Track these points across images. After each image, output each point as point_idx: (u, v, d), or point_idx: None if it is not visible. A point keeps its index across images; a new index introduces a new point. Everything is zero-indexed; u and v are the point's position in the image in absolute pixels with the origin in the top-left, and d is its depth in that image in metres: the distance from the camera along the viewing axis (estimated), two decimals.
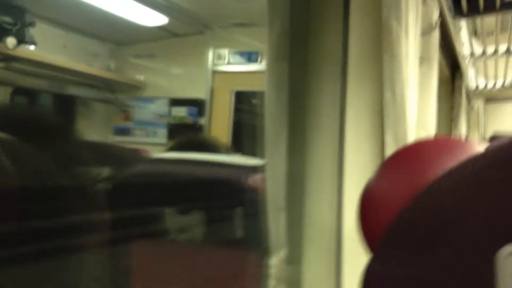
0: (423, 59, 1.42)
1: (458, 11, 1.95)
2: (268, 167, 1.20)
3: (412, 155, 0.51)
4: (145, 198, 1.35)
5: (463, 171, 0.44)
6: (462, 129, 2.99)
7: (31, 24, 3.22)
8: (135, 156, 1.72)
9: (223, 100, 4.12)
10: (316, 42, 1.22)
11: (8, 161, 0.69)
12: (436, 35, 1.48)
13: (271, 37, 1.15)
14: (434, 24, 1.44)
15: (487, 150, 0.44)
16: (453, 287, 0.44)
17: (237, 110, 4.07)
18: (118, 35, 4.23)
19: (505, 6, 1.98)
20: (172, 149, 1.63)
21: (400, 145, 1.08)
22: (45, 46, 3.54)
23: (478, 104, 4.06)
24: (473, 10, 1.98)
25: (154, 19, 3.67)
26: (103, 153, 1.49)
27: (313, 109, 1.23)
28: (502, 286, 0.41)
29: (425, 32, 1.41)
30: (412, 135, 1.15)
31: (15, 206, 0.72)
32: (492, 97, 3.97)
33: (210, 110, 4.15)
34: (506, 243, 0.41)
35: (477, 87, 3.58)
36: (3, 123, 0.79)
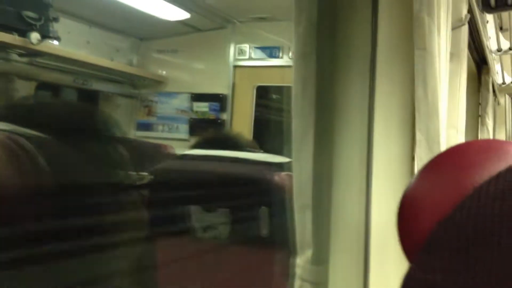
0: (453, 55, 1.38)
1: (485, 5, 1.90)
2: (294, 164, 1.18)
3: (454, 159, 0.49)
4: (171, 196, 1.34)
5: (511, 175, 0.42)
6: (490, 125, 2.94)
7: (55, 19, 3.25)
8: (161, 152, 1.72)
9: (244, 95, 4.12)
10: (345, 37, 1.19)
11: (43, 161, 0.69)
12: (465, 29, 1.44)
13: (298, 31, 1.13)
14: (463, 18, 1.40)
15: None
16: None
17: (259, 105, 4.07)
18: (140, 30, 4.25)
19: None
20: (197, 145, 1.62)
21: (432, 143, 1.05)
22: (68, 41, 3.59)
23: (505, 99, 3.99)
24: (501, 4, 1.93)
25: (176, 14, 3.68)
26: (135, 150, 1.49)
27: (341, 106, 1.21)
28: None
29: (455, 27, 1.38)
30: (444, 132, 1.12)
31: (52, 208, 0.72)
32: None
33: (232, 105, 4.16)
34: None
35: (503, 82, 3.51)
36: (37, 120, 0.78)
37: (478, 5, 1.81)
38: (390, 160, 1.15)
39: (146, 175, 1.05)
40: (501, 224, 0.42)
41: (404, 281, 0.48)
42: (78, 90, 3.91)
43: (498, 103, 3.85)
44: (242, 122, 4.10)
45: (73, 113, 0.92)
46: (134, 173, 0.93)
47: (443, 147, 1.11)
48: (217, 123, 4.10)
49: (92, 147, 0.85)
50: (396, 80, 1.14)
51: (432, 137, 1.04)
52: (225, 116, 4.14)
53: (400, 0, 1.11)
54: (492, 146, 0.48)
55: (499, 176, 0.43)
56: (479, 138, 2.89)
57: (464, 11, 1.47)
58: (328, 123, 1.20)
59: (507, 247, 0.42)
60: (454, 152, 0.50)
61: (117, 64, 4.01)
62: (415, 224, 0.49)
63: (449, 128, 1.38)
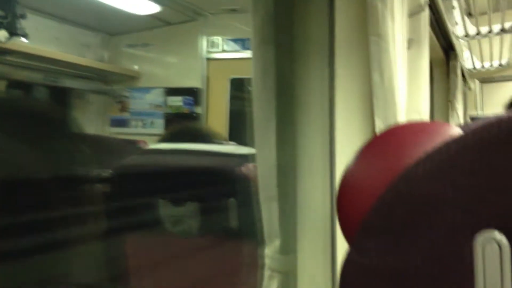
0: (413, 41, 1.40)
1: None
2: (258, 156, 1.19)
3: (388, 140, 0.50)
4: (136, 190, 1.33)
5: (439, 156, 0.42)
6: (459, 110, 2.98)
7: (22, 16, 3.19)
8: (127, 147, 1.71)
9: (219, 88, 4.10)
10: (302, 26, 1.20)
11: None
12: (425, 15, 1.45)
13: (256, 21, 1.12)
14: (422, 4, 1.41)
15: (462, 133, 0.42)
16: (432, 274, 0.43)
17: (234, 98, 4.06)
18: (110, 25, 4.20)
19: None
20: (164, 139, 1.62)
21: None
22: (37, 38, 3.53)
23: (475, 84, 4.04)
24: None
25: (146, 7, 3.64)
26: (96, 145, 1.47)
27: (302, 95, 1.21)
28: (480, 272, 0.40)
29: (414, 13, 1.39)
30: (403, 118, 1.13)
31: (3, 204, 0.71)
32: (488, 78, 3.94)
33: (206, 99, 4.14)
34: (483, 228, 0.40)
35: (473, 67, 3.56)
36: None
37: None
38: (352, 146, 1.15)
39: (107, 171, 1.04)
40: (430, 203, 0.43)
41: (343, 265, 0.49)
42: (50, 88, 3.86)
43: (469, 88, 3.90)
44: (217, 115, 4.09)
45: (27, 109, 0.91)
46: (96, 168, 0.93)
47: None
48: (191, 117, 4.09)
49: (47, 143, 0.84)
50: (354, 67, 1.14)
51: (390, 122, 1.05)
52: (199, 110, 4.12)
53: None
54: (423, 127, 0.49)
55: (427, 157, 0.43)
56: (449, 122, 2.93)
57: None
58: (290, 112, 1.21)
59: (435, 227, 0.42)
60: (389, 134, 0.51)
61: (88, 60, 3.96)
62: (353, 207, 0.49)
63: (412, 113, 1.39)
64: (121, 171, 1.31)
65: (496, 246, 0.40)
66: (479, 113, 2.69)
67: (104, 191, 1.00)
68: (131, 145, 2.19)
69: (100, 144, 1.58)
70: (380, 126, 1.06)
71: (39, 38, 3.58)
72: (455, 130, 0.47)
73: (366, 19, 1.05)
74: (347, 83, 1.15)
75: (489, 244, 0.39)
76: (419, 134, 0.48)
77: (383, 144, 0.50)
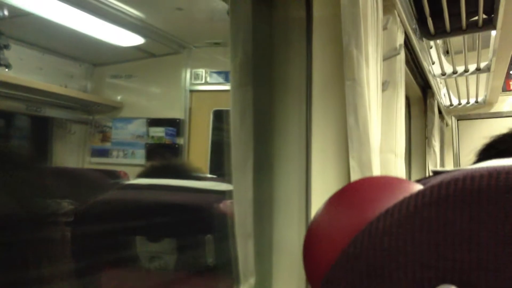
0: (388, 82, 1.44)
1: (425, 33, 1.98)
2: (235, 193, 1.20)
3: (354, 193, 0.52)
4: (112, 226, 1.33)
5: (397, 212, 0.44)
6: (436, 146, 3.04)
7: (5, 47, 3.20)
8: (104, 182, 1.71)
9: (201, 119, 4.12)
10: (281, 69, 1.23)
11: None
12: (400, 58, 1.50)
13: (235, 64, 1.16)
14: (398, 48, 1.46)
15: (420, 190, 0.44)
16: None
17: (216, 129, 4.08)
18: (94, 56, 4.22)
19: (470, 27, 2.03)
20: (143, 174, 1.62)
21: (364, 169, 1.09)
22: (20, 68, 3.53)
23: (452, 121, 4.12)
24: (440, 32, 2.02)
25: (130, 39, 3.68)
26: (70, 181, 1.47)
27: (280, 135, 1.24)
28: None
29: (389, 56, 1.44)
30: (377, 159, 1.16)
31: None
32: (464, 115, 4.03)
33: (189, 130, 4.15)
34: (439, 284, 0.42)
35: (450, 104, 3.64)
36: None
37: (415, 34, 1.88)
38: (327, 187, 1.18)
39: (76, 207, 1.04)
40: (390, 258, 0.44)
41: None
42: (31, 117, 3.84)
43: (446, 125, 3.98)
44: (199, 146, 4.10)
45: None
46: (60, 206, 0.92)
47: (376, 172, 1.14)
48: (173, 148, 4.09)
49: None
50: (330, 110, 1.17)
51: (364, 164, 1.08)
52: (181, 141, 4.13)
53: (333, 35, 1.16)
54: (386, 182, 0.51)
55: (387, 212, 0.45)
56: (426, 160, 2.98)
57: (400, 40, 1.54)
58: (267, 151, 1.23)
59: (396, 281, 0.44)
60: (354, 187, 0.53)
61: (70, 90, 3.97)
62: (318, 255, 0.51)
63: (388, 153, 1.43)
64: (94, 208, 1.31)
65: None
66: (439, 167, 2.75)
67: (73, 226, 0.99)
68: (111, 177, 2.18)
69: (74, 178, 1.57)
70: (354, 167, 1.09)
71: (22, 68, 3.59)
72: (415, 186, 0.49)
73: (342, 64, 1.08)
74: (324, 124, 1.18)
75: None
76: (381, 189, 0.50)
77: (347, 197, 0.52)
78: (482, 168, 0.44)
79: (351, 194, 0.51)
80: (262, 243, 1.20)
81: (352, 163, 1.09)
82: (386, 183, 0.50)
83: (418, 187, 0.48)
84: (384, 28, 1.34)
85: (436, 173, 0.54)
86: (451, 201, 0.42)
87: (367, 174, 1.08)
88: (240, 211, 1.18)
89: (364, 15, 1.08)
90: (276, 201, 1.22)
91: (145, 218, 1.36)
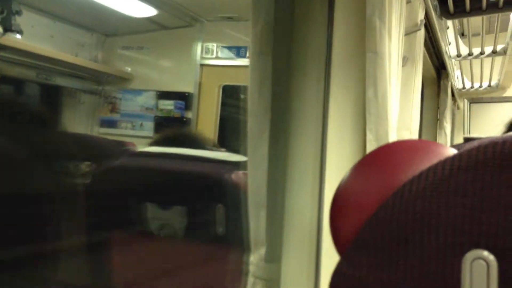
0: (407, 59, 1.42)
1: (444, 11, 1.95)
2: (250, 164, 1.20)
3: (384, 157, 0.51)
4: (125, 192, 1.34)
5: (432, 175, 0.44)
6: (447, 128, 3.01)
7: (18, 13, 3.18)
8: (117, 149, 1.71)
9: (210, 94, 4.11)
10: (301, 38, 1.21)
11: None
12: (420, 34, 1.48)
13: (255, 31, 1.14)
14: (418, 24, 1.44)
15: (456, 154, 0.43)
16: None
17: (225, 105, 4.07)
18: (106, 26, 4.19)
19: (491, 7, 1.99)
20: (155, 143, 1.62)
21: (381, 143, 1.08)
22: (31, 35, 3.51)
23: (464, 104, 4.09)
24: (460, 11, 1.98)
25: (142, 10, 3.64)
26: (84, 145, 1.47)
27: (297, 106, 1.22)
28: None
29: (410, 32, 1.41)
30: (394, 133, 1.15)
31: None
32: (477, 98, 4.00)
33: (198, 104, 4.14)
34: (472, 248, 0.41)
35: (463, 87, 3.60)
36: None
37: (436, 11, 1.85)
38: (343, 159, 1.17)
39: (92, 171, 1.04)
40: (422, 222, 0.44)
41: (332, 276, 0.49)
42: (41, 85, 3.84)
43: (458, 107, 3.95)
44: (207, 120, 4.10)
45: (9, 103, 0.91)
46: (79, 168, 0.92)
47: None
48: (182, 121, 4.08)
49: (26, 140, 0.83)
50: (349, 81, 1.16)
51: (381, 137, 1.07)
52: (190, 115, 4.12)
53: (355, 5, 1.14)
54: (419, 146, 0.50)
55: (421, 175, 0.44)
56: (437, 141, 2.97)
57: (421, 16, 1.51)
58: (284, 122, 1.22)
59: (427, 245, 0.43)
60: (384, 150, 0.52)
61: (81, 60, 3.95)
62: (346, 220, 0.50)
63: (402, 130, 1.41)
64: (109, 173, 1.31)
65: (484, 265, 0.41)
66: (473, 134, 2.73)
67: (87, 188, 0.99)
68: (120, 146, 2.18)
69: (87, 143, 1.57)
70: (371, 141, 1.08)
71: (34, 36, 3.57)
72: (449, 151, 0.48)
73: (364, 35, 1.07)
74: (342, 96, 1.17)
75: (477, 263, 0.41)
76: (413, 152, 0.49)
77: (378, 161, 0.51)
78: None
79: (383, 157, 0.50)
80: (274, 214, 1.19)
81: (369, 136, 1.08)
82: (420, 146, 0.49)
83: (453, 151, 0.47)
84: (408, 1, 1.31)
85: (467, 139, 0.53)
86: (490, 164, 0.41)
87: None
88: (254, 182, 1.18)
89: None
90: (290, 172, 1.22)
91: (157, 186, 1.36)
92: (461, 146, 0.51)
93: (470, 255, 0.41)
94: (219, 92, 4.09)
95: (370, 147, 1.08)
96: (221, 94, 4.08)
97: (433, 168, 0.44)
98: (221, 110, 4.08)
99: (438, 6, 1.85)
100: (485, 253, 0.41)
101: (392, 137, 1.13)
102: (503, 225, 0.41)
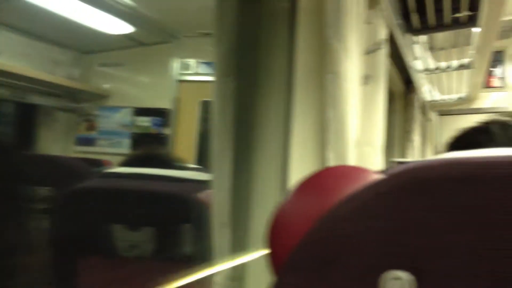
0: (371, 77, 1.45)
1: (409, 28, 2.00)
2: (214, 183, 1.21)
3: (319, 182, 0.53)
4: (91, 215, 1.34)
5: (357, 200, 0.46)
6: (416, 141, 3.07)
7: None
8: (85, 170, 1.71)
9: (189, 110, 4.12)
10: (264, 60, 1.24)
11: None
12: (382, 53, 1.52)
13: (219, 53, 1.16)
14: (381, 43, 1.48)
15: (378, 180, 0.46)
16: None
17: (204, 120, 4.07)
18: (82, 43, 4.19)
19: (454, 23, 2.05)
20: (125, 163, 1.62)
21: (340, 161, 1.11)
22: (7, 54, 3.50)
23: (433, 116, 4.16)
24: (424, 27, 2.04)
25: (119, 27, 3.66)
26: (48, 167, 1.47)
27: (260, 126, 1.25)
28: None
29: (372, 50, 1.45)
30: (353, 151, 1.18)
31: None
32: (447, 110, 4.08)
33: (176, 120, 4.15)
34: (390, 268, 0.44)
35: (433, 100, 3.67)
36: None
37: (400, 29, 1.90)
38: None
39: (53, 195, 1.04)
40: (346, 244, 0.46)
41: None
42: (17, 104, 3.82)
43: (429, 120, 4.02)
44: (186, 137, 4.10)
45: None
46: (37, 193, 0.93)
47: (351, 164, 1.16)
48: (159, 138, 4.08)
49: None
50: (311, 101, 1.19)
51: (340, 155, 1.10)
52: (168, 131, 4.12)
53: (315, 26, 1.17)
54: (349, 172, 0.53)
55: (347, 199, 0.47)
56: (406, 153, 3.02)
57: (383, 35, 1.55)
58: (247, 142, 1.24)
59: (350, 266, 0.46)
60: (319, 176, 0.54)
61: (57, 78, 3.94)
62: (281, 242, 0.52)
63: (366, 146, 1.44)
64: (76, 193, 1.31)
65: (401, 284, 0.43)
66: (402, 158, 2.80)
67: (51, 213, 0.99)
68: (94, 165, 2.18)
69: (51, 164, 1.57)
70: (331, 159, 1.10)
71: (9, 54, 3.56)
72: (375, 176, 0.50)
73: (324, 57, 1.10)
74: (304, 116, 1.20)
75: (394, 282, 0.43)
76: (344, 178, 0.52)
77: (313, 185, 0.53)
78: (438, 159, 0.45)
79: (315, 183, 0.52)
80: (238, 233, 1.21)
81: (329, 155, 1.11)
82: (348, 172, 0.52)
83: (378, 176, 0.49)
84: (368, 22, 1.35)
85: (400, 163, 0.55)
86: (407, 190, 0.44)
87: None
88: (218, 201, 1.20)
89: (347, 8, 1.10)
90: (254, 191, 1.24)
91: (124, 207, 1.37)
92: (390, 170, 0.53)
93: (388, 275, 0.43)
94: (197, 107, 4.10)
95: (330, 164, 1.11)
96: (200, 110, 4.09)
97: (359, 193, 0.46)
98: (201, 126, 4.08)
99: (401, 24, 1.90)
100: (402, 273, 0.43)
101: (352, 155, 1.16)
102: (420, 246, 0.43)
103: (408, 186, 0.44)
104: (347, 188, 0.49)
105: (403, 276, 0.42)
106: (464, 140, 0.67)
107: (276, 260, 0.52)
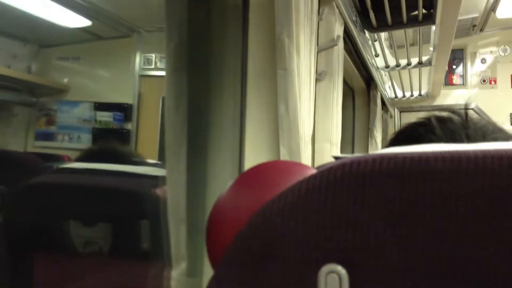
0: (326, 73, 1.47)
1: (366, 25, 2.03)
2: (168, 178, 1.21)
3: (256, 176, 0.54)
4: (43, 211, 1.31)
5: (291, 195, 0.46)
6: (378, 137, 3.12)
7: None
8: (38, 166, 1.67)
9: (152, 105, 4.07)
10: (217, 56, 1.24)
11: None
12: (338, 49, 1.54)
13: (169, 48, 1.15)
14: (335, 39, 1.49)
15: (312, 174, 0.46)
16: None
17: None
18: (40, 36, 4.09)
19: (411, 21, 2.09)
20: (80, 158, 1.60)
21: (293, 157, 1.12)
22: None
23: (395, 113, 4.24)
24: (382, 25, 2.07)
25: (76, 20, 3.58)
26: None
27: (214, 121, 1.25)
28: None
29: (326, 47, 1.47)
30: (307, 147, 1.19)
31: None
32: (407, 107, 4.16)
33: (138, 116, 4.10)
34: (326, 263, 0.44)
35: (395, 97, 3.74)
36: None
37: (357, 26, 1.92)
38: None
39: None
40: (282, 239, 0.46)
41: None
42: None
43: (390, 116, 4.09)
44: (148, 132, 4.06)
45: None
46: None
47: (306, 160, 1.17)
48: (121, 133, 4.03)
49: None
50: (263, 98, 1.19)
51: (294, 151, 1.11)
52: (130, 126, 4.07)
53: (266, 23, 1.17)
54: (286, 167, 0.53)
55: (282, 194, 0.47)
56: (368, 148, 3.07)
57: (338, 32, 1.57)
58: (202, 137, 1.24)
59: (286, 261, 0.46)
60: (256, 170, 0.54)
61: (13, 71, 3.83)
62: (219, 236, 0.52)
63: (323, 142, 1.46)
64: (27, 190, 1.29)
65: (337, 278, 0.44)
66: (341, 153, 2.85)
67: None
68: (51, 161, 2.14)
69: (5, 160, 1.54)
70: (284, 155, 1.11)
71: None
72: (311, 171, 0.51)
73: (275, 53, 1.10)
74: (257, 112, 1.20)
75: (331, 276, 0.44)
76: (281, 173, 0.52)
77: (251, 179, 0.53)
78: (373, 154, 0.46)
79: (253, 177, 0.53)
80: (194, 228, 1.21)
81: (283, 150, 1.12)
82: (285, 167, 0.52)
83: (314, 171, 0.50)
84: (321, 19, 1.36)
85: (336, 158, 0.56)
86: (338, 184, 0.45)
87: (297, 161, 1.10)
88: (173, 196, 1.19)
89: (297, 5, 1.10)
90: (210, 187, 1.24)
91: (77, 202, 1.35)
92: (325, 165, 0.54)
93: (325, 269, 0.44)
94: (159, 103, 4.06)
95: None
96: (162, 105, 4.06)
97: (292, 188, 0.47)
98: (162, 121, 4.05)
99: (359, 21, 1.92)
100: (338, 267, 0.44)
101: (306, 151, 1.17)
102: (351, 240, 0.44)
103: (339, 181, 0.45)
104: (284, 183, 0.50)
105: (341, 270, 0.43)
106: (404, 133, 0.69)
107: (213, 255, 0.52)
